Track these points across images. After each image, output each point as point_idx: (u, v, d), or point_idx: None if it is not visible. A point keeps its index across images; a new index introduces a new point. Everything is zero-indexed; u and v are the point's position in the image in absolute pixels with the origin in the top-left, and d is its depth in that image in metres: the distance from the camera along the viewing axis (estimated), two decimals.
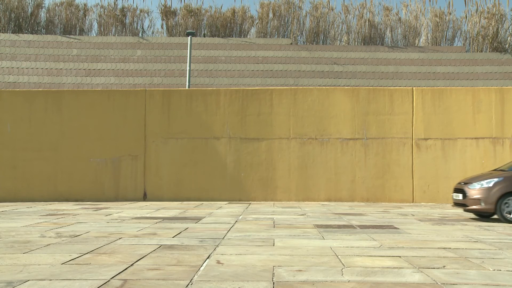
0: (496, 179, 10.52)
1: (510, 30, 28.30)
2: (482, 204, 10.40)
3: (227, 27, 28.82)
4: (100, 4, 34.24)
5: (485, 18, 28.18)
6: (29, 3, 29.04)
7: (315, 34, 28.67)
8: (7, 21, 28.59)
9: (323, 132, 16.07)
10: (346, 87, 17.91)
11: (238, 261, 5.85)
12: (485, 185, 10.49)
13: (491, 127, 15.75)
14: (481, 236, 8.16)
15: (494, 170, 11.85)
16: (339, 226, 9.34)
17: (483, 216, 11.23)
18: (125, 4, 33.68)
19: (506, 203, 10.26)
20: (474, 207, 10.56)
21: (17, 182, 16.08)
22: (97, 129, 16.24)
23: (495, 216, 10.63)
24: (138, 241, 7.37)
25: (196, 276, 5.08)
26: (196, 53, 26.44)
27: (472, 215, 11.72)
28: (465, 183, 11.01)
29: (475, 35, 28.25)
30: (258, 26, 29.08)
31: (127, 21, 29.40)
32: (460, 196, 10.89)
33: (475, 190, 10.57)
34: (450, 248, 6.90)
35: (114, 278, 4.99)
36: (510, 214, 10.26)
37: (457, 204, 11.03)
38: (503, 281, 4.98)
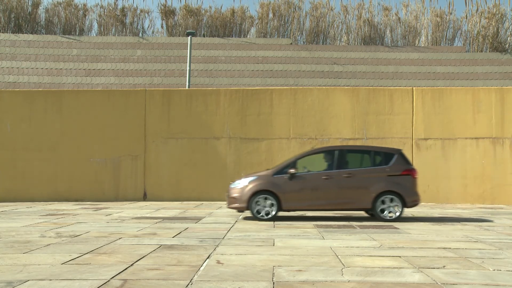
0: (251, 178, 10.41)
1: (510, 30, 28.29)
2: (238, 202, 10.27)
3: (227, 27, 28.81)
4: (100, 4, 34.26)
5: (485, 18, 28.16)
6: (27, 2, 29.00)
7: (315, 34, 28.66)
8: (7, 21, 28.58)
9: (323, 132, 16.06)
10: (346, 87, 17.91)
11: (238, 261, 5.85)
12: (242, 184, 10.36)
13: (491, 127, 15.75)
14: (481, 236, 8.16)
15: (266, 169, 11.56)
16: (339, 226, 9.35)
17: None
18: (125, 4, 33.73)
19: (257, 201, 10.19)
20: (232, 205, 10.41)
21: (17, 182, 16.07)
22: (97, 129, 16.24)
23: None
24: (138, 241, 7.37)
25: (196, 276, 5.08)
26: (196, 53, 26.43)
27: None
28: (232, 182, 10.81)
29: (475, 35, 28.25)
30: (258, 26, 29.07)
31: (127, 21, 29.38)
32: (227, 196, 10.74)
33: (235, 189, 10.42)
34: (450, 248, 6.90)
35: (114, 278, 4.99)
36: (257, 207, 10.16)
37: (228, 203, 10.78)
38: (503, 281, 4.98)
